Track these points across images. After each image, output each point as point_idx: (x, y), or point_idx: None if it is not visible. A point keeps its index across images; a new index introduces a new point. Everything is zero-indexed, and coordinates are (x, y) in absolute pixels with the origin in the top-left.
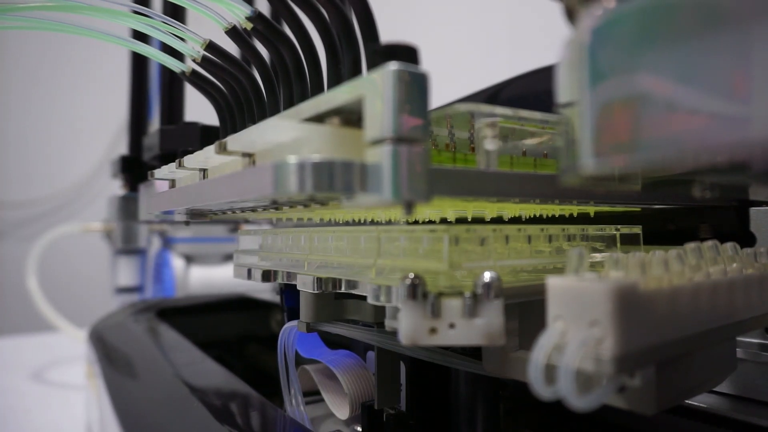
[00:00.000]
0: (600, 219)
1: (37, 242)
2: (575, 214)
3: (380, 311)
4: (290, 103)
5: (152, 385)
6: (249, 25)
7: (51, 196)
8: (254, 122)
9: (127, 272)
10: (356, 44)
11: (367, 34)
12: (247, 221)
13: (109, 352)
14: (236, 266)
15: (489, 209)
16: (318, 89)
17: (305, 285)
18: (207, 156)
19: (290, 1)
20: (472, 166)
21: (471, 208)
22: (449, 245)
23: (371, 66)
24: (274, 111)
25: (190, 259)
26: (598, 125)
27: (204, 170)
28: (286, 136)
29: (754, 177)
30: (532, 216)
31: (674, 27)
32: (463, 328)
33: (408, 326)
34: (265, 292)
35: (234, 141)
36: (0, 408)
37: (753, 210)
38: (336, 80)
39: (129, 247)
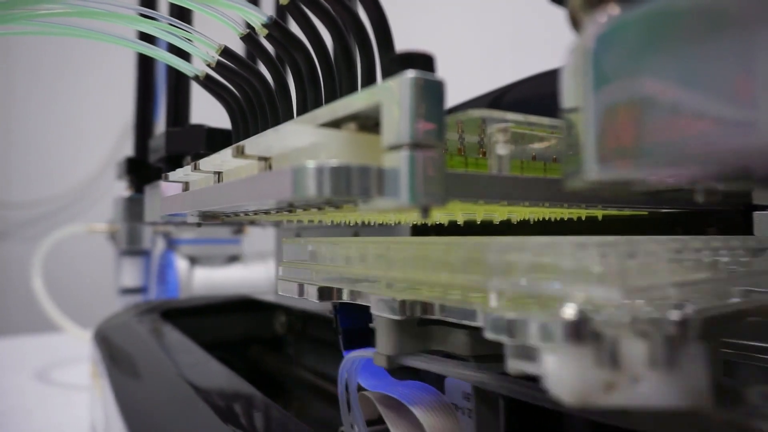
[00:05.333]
0: (608, 222)
1: (42, 242)
2: (583, 218)
3: (479, 342)
4: (304, 109)
5: (157, 386)
6: (264, 32)
7: (55, 196)
8: (267, 127)
9: (131, 273)
10: (371, 51)
11: (383, 42)
12: (252, 223)
13: (114, 353)
14: (283, 280)
15: (499, 212)
16: (332, 95)
17: (384, 308)
18: (223, 159)
19: (306, 9)
20: (484, 171)
21: (481, 211)
22: (621, 261)
23: (386, 73)
24: (288, 116)
25: (194, 261)
26: (602, 131)
27: (219, 173)
28: (304, 141)
29: (758, 182)
30: (540, 219)
31: (679, 33)
32: (654, 384)
33: (575, 380)
34: (269, 294)
35: (251, 145)
36: (4, 408)
37: (756, 214)
38: (350, 87)
39: (133, 248)
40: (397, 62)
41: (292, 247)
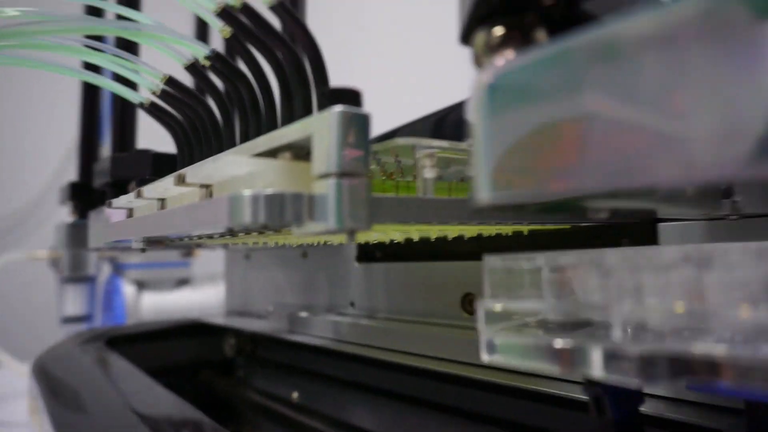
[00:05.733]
0: (533, 236)
1: None
2: (511, 233)
3: None
4: (246, 136)
5: (101, 418)
6: (207, 63)
7: None
8: (211, 152)
9: (74, 301)
10: (308, 85)
11: (319, 78)
12: (199, 246)
13: (54, 386)
14: (508, 340)
15: (432, 230)
16: (272, 122)
17: None
18: (166, 187)
19: (249, 45)
20: (414, 194)
21: (414, 230)
22: None
23: (321, 106)
24: (230, 142)
25: (142, 285)
26: (494, 159)
27: (162, 200)
28: (242, 170)
29: (662, 199)
30: (475, 236)
31: (563, 75)
32: None
33: None
34: (219, 316)
35: (193, 174)
36: None
37: (660, 225)
38: (289, 116)
39: (77, 275)
40: (327, 97)
41: (505, 277)
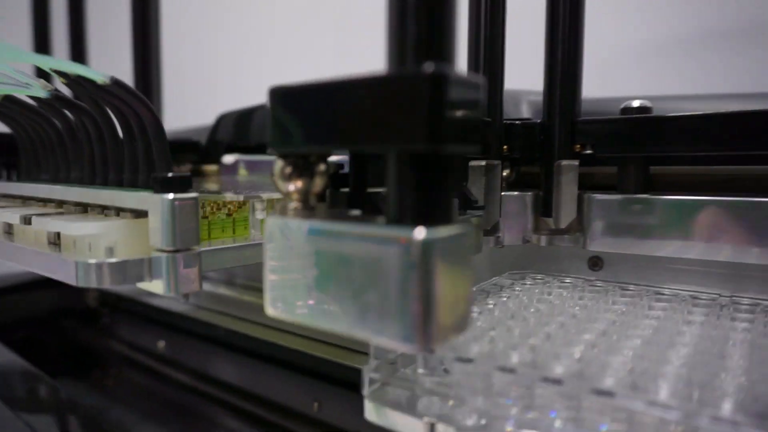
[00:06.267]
0: None
1: None
2: None
3: None
4: (92, 158)
5: None
6: (48, 98)
7: None
8: (57, 161)
9: None
10: (147, 133)
11: (161, 163)
12: None
13: None
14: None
15: None
16: (118, 152)
17: None
18: (11, 221)
19: (104, 104)
20: (247, 234)
21: None
22: None
23: (156, 190)
24: (77, 156)
25: None
26: (276, 285)
27: (10, 224)
28: (89, 230)
29: None
30: None
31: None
32: None
33: None
34: None
35: (39, 222)
36: None
37: None
38: (132, 155)
39: None
40: (161, 184)
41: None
